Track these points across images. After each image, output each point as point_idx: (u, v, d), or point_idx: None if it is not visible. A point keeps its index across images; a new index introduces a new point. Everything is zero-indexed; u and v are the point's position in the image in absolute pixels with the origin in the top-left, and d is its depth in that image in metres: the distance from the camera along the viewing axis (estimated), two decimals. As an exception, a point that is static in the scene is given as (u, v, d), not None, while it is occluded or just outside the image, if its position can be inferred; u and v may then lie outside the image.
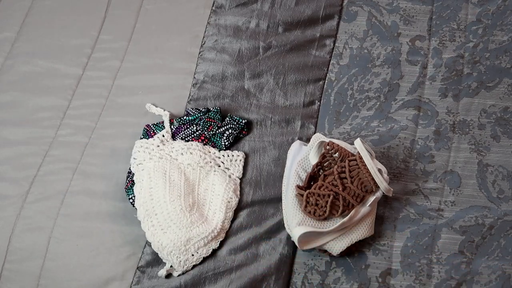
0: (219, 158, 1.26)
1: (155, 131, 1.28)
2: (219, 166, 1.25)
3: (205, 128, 1.27)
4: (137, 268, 1.18)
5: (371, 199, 1.14)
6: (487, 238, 1.18)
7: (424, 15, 1.45)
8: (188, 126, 1.28)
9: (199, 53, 1.41)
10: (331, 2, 1.47)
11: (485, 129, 1.30)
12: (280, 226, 1.21)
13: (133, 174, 1.23)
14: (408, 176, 1.25)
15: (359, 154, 1.12)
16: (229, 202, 1.21)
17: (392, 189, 1.15)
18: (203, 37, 1.43)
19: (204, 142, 1.27)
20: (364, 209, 1.13)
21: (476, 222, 1.20)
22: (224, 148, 1.27)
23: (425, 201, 1.23)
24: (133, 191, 1.21)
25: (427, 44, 1.41)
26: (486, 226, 1.19)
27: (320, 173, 1.17)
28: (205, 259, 1.18)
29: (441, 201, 1.23)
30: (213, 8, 1.47)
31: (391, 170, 1.25)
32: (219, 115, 1.30)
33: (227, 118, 1.29)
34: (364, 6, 1.47)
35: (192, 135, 1.27)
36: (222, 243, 1.20)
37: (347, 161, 1.13)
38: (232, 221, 1.22)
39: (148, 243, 1.19)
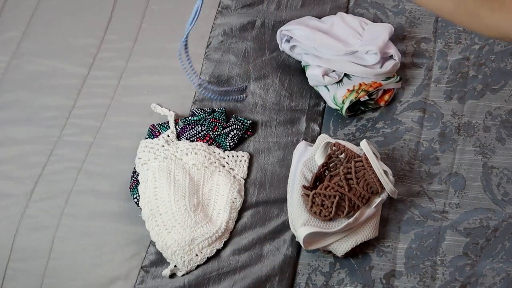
0: (224, 158, 1.26)
1: (160, 131, 1.28)
2: (224, 166, 1.25)
3: (210, 129, 1.27)
4: (141, 267, 1.18)
5: (377, 200, 1.14)
6: (492, 240, 1.18)
7: (429, 17, 1.45)
8: (193, 127, 1.28)
9: (205, 53, 1.41)
10: (337, 4, 1.47)
11: (490, 131, 1.29)
12: (284, 227, 1.21)
13: (138, 173, 1.23)
14: (412, 178, 1.25)
15: (365, 155, 1.12)
16: (233, 202, 1.21)
17: (397, 191, 1.15)
18: (209, 38, 1.43)
19: (209, 142, 1.27)
20: (369, 211, 1.13)
21: (480, 224, 1.20)
22: (228, 149, 1.27)
23: (429, 203, 1.23)
24: (137, 191, 1.21)
25: (433, 46, 1.42)
26: (490, 228, 1.19)
27: (326, 174, 1.17)
28: (209, 260, 1.18)
29: (445, 203, 1.23)
30: (219, 8, 1.48)
31: (396, 172, 1.25)
32: (224, 115, 1.30)
33: (232, 118, 1.29)
34: (370, 8, 1.47)
35: (197, 135, 1.27)
36: (226, 244, 1.19)
37: (353, 162, 1.13)
38: (236, 221, 1.21)
39: (152, 243, 1.19)
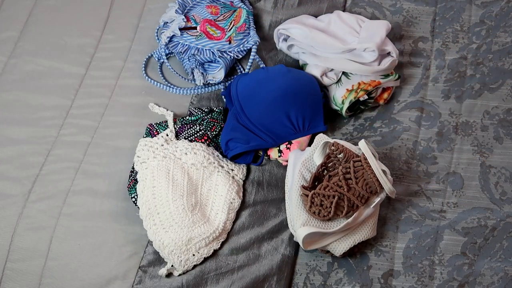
0: (223, 159, 1.26)
1: (158, 130, 1.28)
2: (223, 167, 1.25)
3: (208, 129, 1.27)
4: (139, 267, 1.18)
5: (376, 200, 1.14)
6: (490, 240, 1.18)
7: (427, 16, 1.45)
8: (191, 126, 1.28)
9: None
10: (333, 3, 1.46)
11: (488, 130, 1.30)
12: (282, 227, 1.21)
13: (136, 172, 1.23)
14: (410, 178, 1.25)
15: (364, 155, 1.12)
16: (231, 203, 1.21)
17: (395, 191, 1.14)
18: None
19: (207, 142, 1.26)
20: (367, 210, 1.13)
21: (478, 224, 1.20)
22: (226, 148, 1.27)
23: (427, 203, 1.23)
24: (135, 190, 1.21)
25: (430, 45, 1.41)
26: (488, 227, 1.19)
27: (325, 174, 1.17)
28: (207, 259, 1.18)
29: (443, 203, 1.23)
30: (217, 8, 1.47)
31: (394, 171, 1.25)
32: (222, 115, 1.29)
33: (230, 118, 1.29)
34: (367, 7, 1.46)
35: (195, 135, 1.27)
36: (224, 243, 1.19)
37: (351, 162, 1.13)
38: (234, 221, 1.21)
39: (150, 243, 1.19)
